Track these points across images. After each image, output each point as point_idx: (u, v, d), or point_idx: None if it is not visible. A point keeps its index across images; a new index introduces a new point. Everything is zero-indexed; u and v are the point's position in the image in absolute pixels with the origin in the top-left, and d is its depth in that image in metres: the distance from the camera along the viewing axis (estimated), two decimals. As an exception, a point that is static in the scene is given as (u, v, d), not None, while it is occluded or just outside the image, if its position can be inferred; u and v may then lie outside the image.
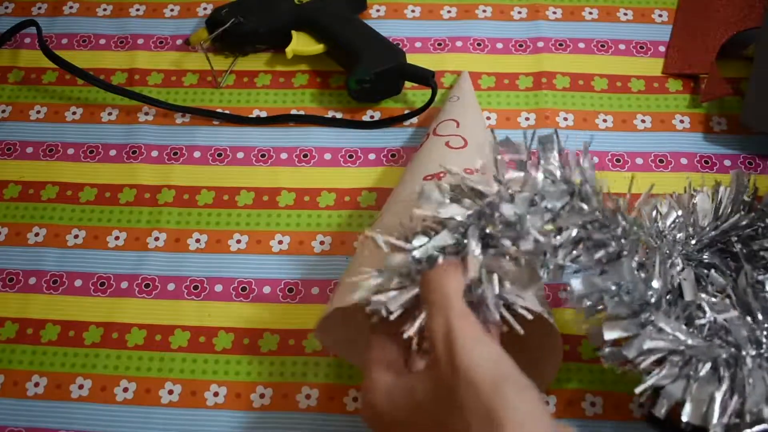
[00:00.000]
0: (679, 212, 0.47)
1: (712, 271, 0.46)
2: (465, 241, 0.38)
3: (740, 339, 0.40)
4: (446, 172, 0.44)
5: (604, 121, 0.58)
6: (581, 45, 0.62)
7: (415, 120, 0.59)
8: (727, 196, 0.47)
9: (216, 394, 0.49)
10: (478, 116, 0.55)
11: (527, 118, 0.58)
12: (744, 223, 0.46)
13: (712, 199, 0.47)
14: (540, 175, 0.38)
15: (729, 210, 0.47)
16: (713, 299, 0.44)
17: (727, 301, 0.44)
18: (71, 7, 0.66)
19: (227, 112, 0.60)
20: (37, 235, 0.55)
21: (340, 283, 0.44)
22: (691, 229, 0.47)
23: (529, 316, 0.38)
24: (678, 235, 0.46)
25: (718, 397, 0.38)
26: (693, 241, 0.46)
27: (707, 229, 0.47)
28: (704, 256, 0.46)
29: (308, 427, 0.47)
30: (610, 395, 0.47)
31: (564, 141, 0.40)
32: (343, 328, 0.45)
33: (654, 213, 0.47)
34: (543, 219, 0.38)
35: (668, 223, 0.47)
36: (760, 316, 0.42)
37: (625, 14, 0.63)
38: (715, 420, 0.37)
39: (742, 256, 0.46)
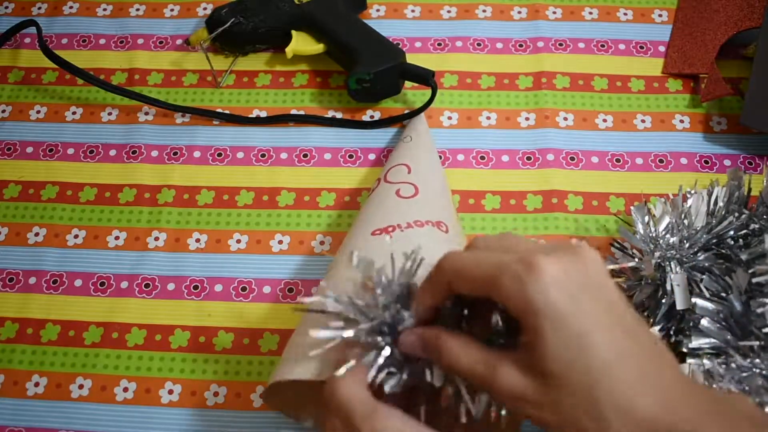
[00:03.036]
0: (673, 216, 0.46)
1: (707, 275, 0.45)
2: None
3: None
4: (395, 227, 0.44)
5: (604, 121, 0.58)
6: (581, 45, 0.62)
7: (415, 120, 0.59)
8: (722, 197, 0.47)
9: (216, 394, 0.49)
10: (431, 158, 0.53)
11: (527, 118, 0.58)
12: (737, 224, 0.46)
13: (707, 201, 0.47)
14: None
15: (723, 212, 0.46)
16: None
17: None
18: (71, 7, 0.66)
19: (227, 112, 0.60)
20: (37, 235, 0.55)
21: (293, 348, 0.42)
22: (685, 232, 0.46)
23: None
24: (671, 240, 0.45)
25: None
26: (687, 245, 0.45)
27: (700, 231, 0.46)
28: (699, 259, 0.45)
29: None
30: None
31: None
32: (291, 391, 0.44)
33: (647, 217, 0.46)
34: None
35: (661, 228, 0.46)
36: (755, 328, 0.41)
37: (625, 14, 0.63)
38: None
39: (735, 259, 0.45)
